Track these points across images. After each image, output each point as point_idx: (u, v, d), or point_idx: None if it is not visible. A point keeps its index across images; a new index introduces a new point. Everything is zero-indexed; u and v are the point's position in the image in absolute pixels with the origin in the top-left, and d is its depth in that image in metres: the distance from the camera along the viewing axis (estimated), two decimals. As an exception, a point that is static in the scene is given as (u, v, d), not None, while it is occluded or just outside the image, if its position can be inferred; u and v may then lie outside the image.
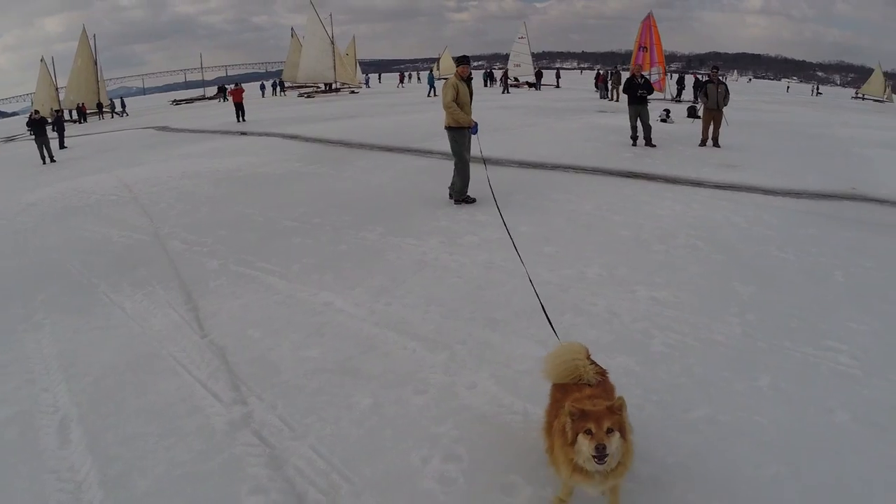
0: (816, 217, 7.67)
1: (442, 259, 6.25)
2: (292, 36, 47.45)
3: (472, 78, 8.32)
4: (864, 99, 50.22)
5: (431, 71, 43.51)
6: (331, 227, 7.54)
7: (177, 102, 45.47)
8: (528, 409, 3.60)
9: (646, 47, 21.57)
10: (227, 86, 48.97)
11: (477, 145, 8.20)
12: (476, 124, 8.06)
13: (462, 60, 8.14)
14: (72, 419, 3.74)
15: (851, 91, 65.38)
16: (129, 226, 8.15)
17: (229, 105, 27.23)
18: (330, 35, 40.93)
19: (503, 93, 35.25)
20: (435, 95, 33.54)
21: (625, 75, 29.41)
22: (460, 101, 7.93)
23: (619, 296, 5.27)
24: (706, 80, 13.07)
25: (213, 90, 49.60)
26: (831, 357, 4.16)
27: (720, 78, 12.95)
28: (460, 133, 8.10)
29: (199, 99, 46.93)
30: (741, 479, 3.01)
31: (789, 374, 3.95)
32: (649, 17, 21.61)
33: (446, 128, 8.18)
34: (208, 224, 7.95)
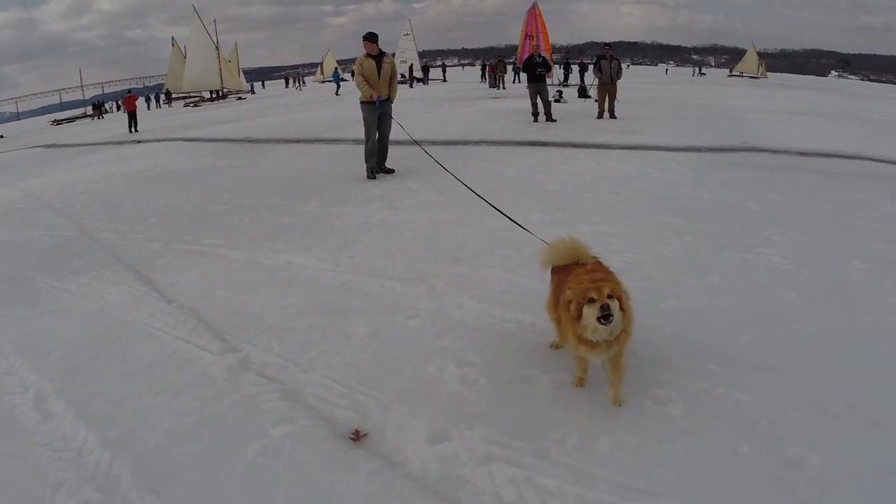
0: (719, 165, 8.20)
1: (388, 219, 6.14)
2: (173, 45, 44.66)
3: (383, 53, 8.24)
4: (741, 76, 52.26)
5: (336, 70, 42.70)
6: (264, 205, 7.18)
7: (58, 122, 41.63)
8: (519, 318, 3.64)
9: (532, 35, 22.02)
10: (103, 103, 45.53)
11: (397, 125, 8.36)
12: (379, 98, 8.07)
13: (366, 37, 8.08)
14: (48, 394, 3.33)
15: (726, 72, 68.30)
16: (48, 226, 7.34)
17: (114, 119, 25.30)
18: (215, 41, 38.98)
19: (410, 87, 34.95)
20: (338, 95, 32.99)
21: (509, 68, 30.20)
22: (366, 76, 8.04)
23: (565, 232, 5.38)
24: (600, 57, 13.56)
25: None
26: (765, 258, 4.56)
27: (612, 54, 13.50)
28: (366, 107, 8.18)
29: (82, 117, 43.25)
30: (724, 346, 3.23)
31: (735, 273, 4.29)
32: (535, 7, 22.06)
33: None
34: (134, 216, 7.33)
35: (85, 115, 43.10)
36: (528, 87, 13.30)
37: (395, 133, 8.43)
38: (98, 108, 42.68)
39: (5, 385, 3.52)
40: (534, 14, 21.91)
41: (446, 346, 3.36)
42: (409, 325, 3.66)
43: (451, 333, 3.50)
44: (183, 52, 41.90)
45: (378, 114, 8.19)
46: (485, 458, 2.46)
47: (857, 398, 2.74)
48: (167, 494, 2.44)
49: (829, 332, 3.37)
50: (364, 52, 8.10)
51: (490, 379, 3.01)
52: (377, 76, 8.04)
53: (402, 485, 2.35)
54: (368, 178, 8.28)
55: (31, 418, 3.14)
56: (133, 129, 21.60)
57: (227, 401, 3.01)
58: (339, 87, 35.32)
